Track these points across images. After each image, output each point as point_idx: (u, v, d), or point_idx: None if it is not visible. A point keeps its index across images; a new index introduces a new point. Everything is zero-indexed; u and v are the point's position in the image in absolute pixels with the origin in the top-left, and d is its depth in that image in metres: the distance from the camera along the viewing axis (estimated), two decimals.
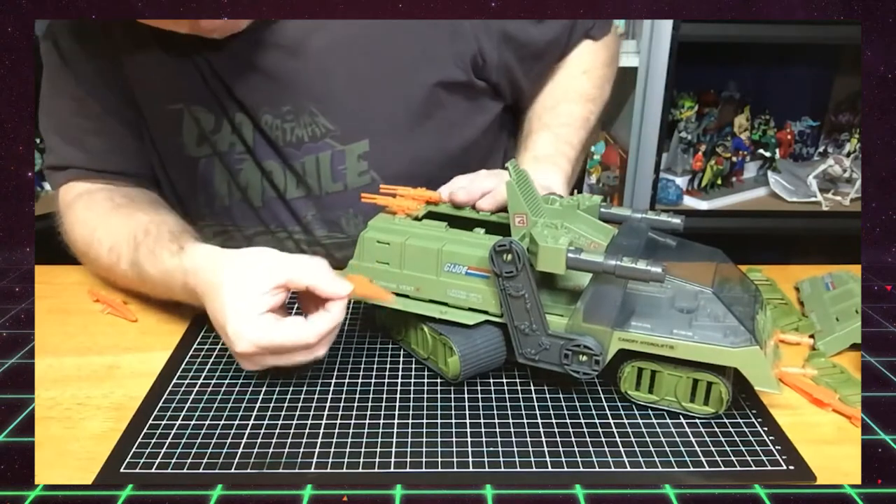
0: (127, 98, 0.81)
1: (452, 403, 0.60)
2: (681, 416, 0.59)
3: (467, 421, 0.58)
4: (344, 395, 0.61)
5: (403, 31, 0.78)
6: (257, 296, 0.58)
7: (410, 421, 0.58)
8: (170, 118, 0.79)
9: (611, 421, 0.58)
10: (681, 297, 0.59)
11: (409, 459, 0.54)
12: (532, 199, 0.62)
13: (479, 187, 0.68)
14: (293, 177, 0.81)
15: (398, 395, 0.61)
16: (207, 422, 0.58)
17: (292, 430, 0.57)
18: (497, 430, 0.57)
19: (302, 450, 0.55)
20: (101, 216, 0.77)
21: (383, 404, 0.60)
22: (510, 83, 0.87)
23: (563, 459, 0.54)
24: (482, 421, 0.58)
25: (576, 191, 0.70)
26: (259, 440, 0.56)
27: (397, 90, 0.79)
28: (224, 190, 0.83)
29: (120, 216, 0.76)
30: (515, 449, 0.55)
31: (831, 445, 0.57)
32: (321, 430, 0.57)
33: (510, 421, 0.58)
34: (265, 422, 0.58)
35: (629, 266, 0.54)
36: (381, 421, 0.58)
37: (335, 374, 0.64)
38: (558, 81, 0.91)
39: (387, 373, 0.65)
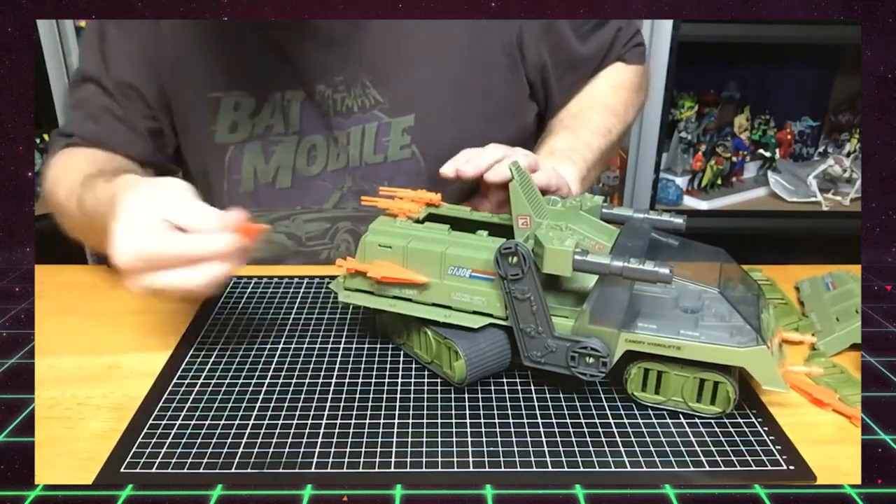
0: (158, 90, 0.82)
1: (452, 404, 0.60)
2: (681, 416, 0.59)
3: (467, 421, 0.58)
4: (344, 395, 0.61)
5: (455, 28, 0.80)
6: (148, 218, 0.57)
7: (410, 421, 0.58)
8: (207, 107, 0.81)
9: (611, 421, 0.58)
10: (686, 297, 0.59)
11: (409, 459, 0.54)
12: (535, 200, 0.62)
13: (488, 158, 0.67)
14: (335, 149, 0.82)
15: (398, 396, 0.61)
16: (207, 422, 0.58)
17: (292, 430, 0.57)
18: (497, 430, 0.57)
19: (302, 450, 0.55)
20: (75, 163, 0.78)
21: (383, 404, 0.60)
22: (543, 86, 0.89)
23: (563, 459, 0.54)
24: (482, 421, 0.58)
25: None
26: (259, 440, 0.56)
27: (448, 71, 0.81)
28: (251, 174, 0.83)
29: (88, 163, 0.78)
30: (515, 449, 0.55)
31: (831, 445, 0.57)
32: (321, 430, 0.57)
33: (510, 421, 0.58)
34: (265, 422, 0.58)
35: (636, 267, 0.54)
36: (381, 421, 0.58)
37: (335, 374, 0.64)
38: (585, 93, 0.93)
39: (387, 373, 0.65)
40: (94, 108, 0.84)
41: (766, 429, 0.57)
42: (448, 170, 0.69)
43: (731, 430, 0.57)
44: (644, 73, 0.98)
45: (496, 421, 0.58)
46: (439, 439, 0.56)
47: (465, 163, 0.68)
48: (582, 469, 0.53)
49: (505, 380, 0.63)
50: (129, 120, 0.83)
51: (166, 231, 0.57)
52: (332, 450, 0.55)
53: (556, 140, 0.85)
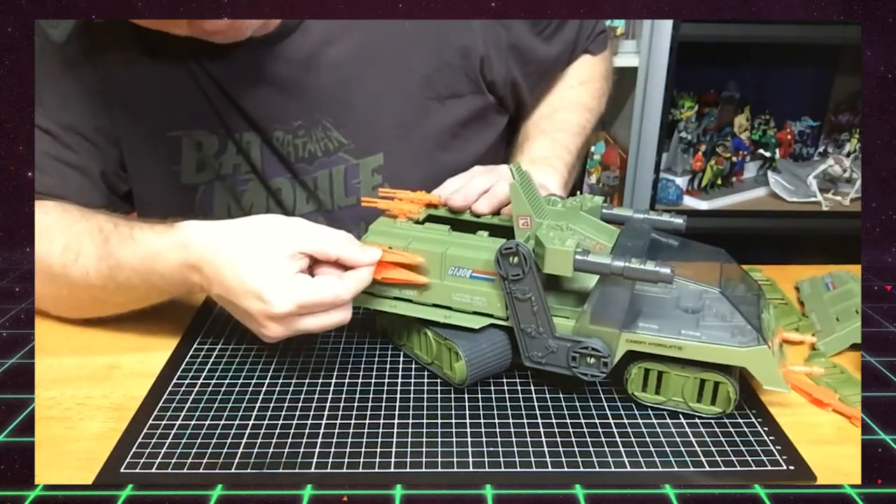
0: (106, 129, 0.76)
1: (452, 404, 0.60)
2: (681, 416, 0.59)
3: (467, 421, 0.58)
4: (344, 395, 0.61)
5: (416, 45, 0.78)
6: (286, 259, 0.56)
7: (410, 421, 0.58)
8: (167, 146, 0.76)
9: (611, 421, 0.58)
10: (686, 297, 0.59)
11: (409, 459, 0.54)
12: (535, 200, 0.62)
13: (475, 189, 0.68)
14: (303, 192, 0.80)
15: (398, 396, 0.61)
16: (207, 422, 0.58)
17: (292, 430, 0.57)
18: (497, 430, 0.57)
19: (302, 450, 0.55)
20: (55, 219, 0.69)
21: (383, 404, 0.60)
22: (514, 98, 0.88)
23: (563, 459, 0.54)
24: (482, 421, 0.58)
25: (578, 192, 0.70)
26: (259, 440, 0.56)
27: (410, 105, 0.79)
28: (224, 213, 0.80)
29: (75, 216, 0.68)
30: (515, 449, 0.55)
31: (831, 445, 0.57)
32: (321, 430, 0.57)
33: (510, 421, 0.58)
34: (265, 422, 0.58)
35: (638, 267, 0.54)
36: (381, 421, 0.58)
37: (335, 374, 0.64)
38: (556, 92, 0.93)
39: (387, 373, 0.65)
40: (45, 158, 0.75)
41: (766, 429, 0.57)
42: (441, 198, 0.69)
43: (731, 430, 0.57)
44: (609, 58, 0.98)
45: (496, 421, 0.58)
46: (439, 439, 0.56)
47: (454, 194, 0.68)
48: (582, 469, 0.53)
49: (505, 380, 0.63)
50: (81, 164, 0.75)
51: (312, 272, 0.58)
52: (332, 450, 0.55)
53: (534, 147, 0.86)
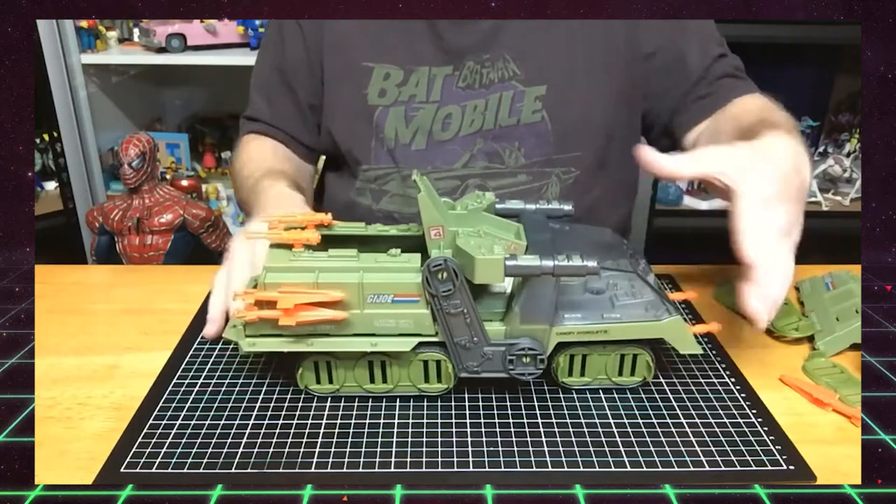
0: (316, 68, 0.95)
1: (452, 404, 0.60)
2: (681, 416, 0.59)
3: (467, 421, 0.58)
4: (344, 396, 0.61)
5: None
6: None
7: (410, 421, 0.58)
8: (362, 73, 0.92)
9: (611, 421, 0.58)
10: (591, 279, 0.60)
11: (409, 459, 0.54)
12: (441, 208, 0.59)
13: (777, 294, 0.58)
14: (471, 115, 0.91)
15: (398, 396, 0.61)
16: (207, 422, 0.58)
17: (292, 430, 0.57)
18: (497, 430, 0.57)
19: (302, 450, 0.55)
20: (260, 153, 0.96)
21: (383, 404, 0.60)
22: (658, 92, 0.93)
23: (563, 459, 0.54)
24: (482, 421, 0.58)
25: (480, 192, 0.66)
26: (259, 440, 0.56)
27: (578, 48, 0.90)
28: (392, 135, 0.92)
29: (269, 157, 0.95)
30: (515, 449, 0.55)
31: (831, 445, 0.57)
32: (321, 430, 0.57)
33: (510, 421, 0.58)
34: (265, 422, 0.58)
35: (567, 264, 0.55)
36: (381, 421, 0.58)
37: None
38: (729, 110, 0.90)
39: None
40: (269, 91, 0.99)
41: (766, 429, 0.57)
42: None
43: (731, 430, 0.57)
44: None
45: (496, 421, 0.58)
46: (439, 439, 0.56)
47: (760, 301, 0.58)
48: (582, 469, 0.53)
49: (505, 380, 0.63)
50: (298, 98, 0.97)
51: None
52: (332, 450, 0.55)
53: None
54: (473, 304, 0.57)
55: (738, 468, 0.53)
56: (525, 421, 0.58)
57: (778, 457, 0.54)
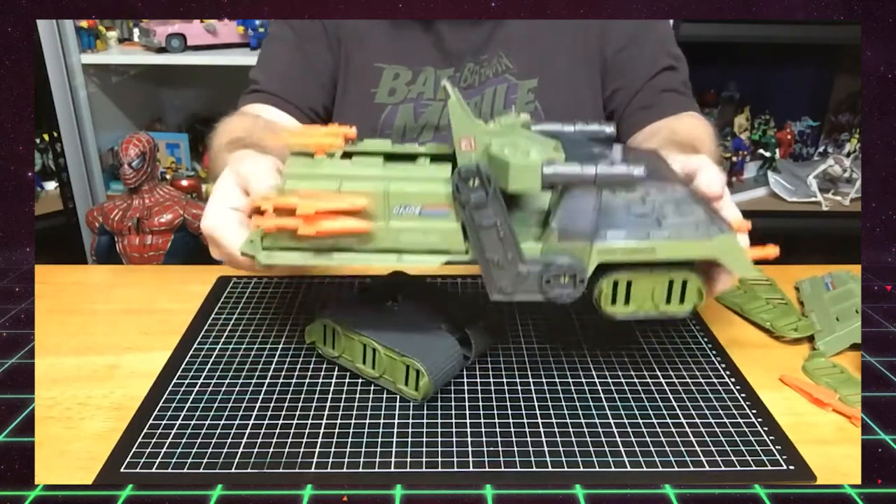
0: (333, 54, 0.96)
1: (452, 403, 0.60)
2: (681, 416, 0.59)
3: (467, 421, 0.58)
4: (344, 395, 0.61)
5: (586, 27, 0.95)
6: (232, 185, 0.60)
7: (410, 421, 0.58)
8: (372, 73, 0.95)
9: (611, 421, 0.58)
10: (634, 203, 0.55)
11: (409, 459, 0.54)
12: (473, 119, 0.55)
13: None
14: (473, 111, 0.92)
15: (398, 396, 0.61)
16: (207, 422, 0.58)
17: (292, 430, 0.57)
18: (497, 430, 0.57)
19: (302, 450, 0.55)
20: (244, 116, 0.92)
21: (383, 404, 0.60)
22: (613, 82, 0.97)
23: (563, 459, 0.54)
24: (482, 421, 0.58)
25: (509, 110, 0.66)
26: (259, 440, 0.56)
27: (564, 42, 0.95)
28: (401, 130, 0.96)
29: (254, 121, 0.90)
30: (515, 449, 0.55)
31: (831, 445, 0.57)
32: (321, 430, 0.57)
33: (510, 421, 0.58)
34: (265, 422, 0.58)
35: (611, 171, 0.51)
36: (382, 421, 0.58)
37: (335, 374, 0.64)
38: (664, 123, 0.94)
39: None
40: (274, 66, 0.97)
41: (766, 429, 0.57)
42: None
43: (731, 430, 0.57)
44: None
45: (496, 421, 0.58)
46: (439, 439, 0.56)
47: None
48: (582, 469, 0.53)
49: (505, 379, 0.63)
50: (306, 79, 0.96)
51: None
52: (332, 450, 0.55)
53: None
54: (507, 216, 0.52)
55: (738, 468, 0.53)
56: (525, 421, 0.58)
57: (778, 457, 0.54)
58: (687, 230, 0.54)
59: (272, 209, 0.53)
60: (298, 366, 0.65)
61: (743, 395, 0.61)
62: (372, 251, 0.55)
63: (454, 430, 0.57)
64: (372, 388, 0.62)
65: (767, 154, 1.81)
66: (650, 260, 0.54)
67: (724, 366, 0.66)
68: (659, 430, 0.57)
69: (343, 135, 0.56)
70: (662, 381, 0.63)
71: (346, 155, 0.58)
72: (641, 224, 0.54)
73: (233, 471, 0.52)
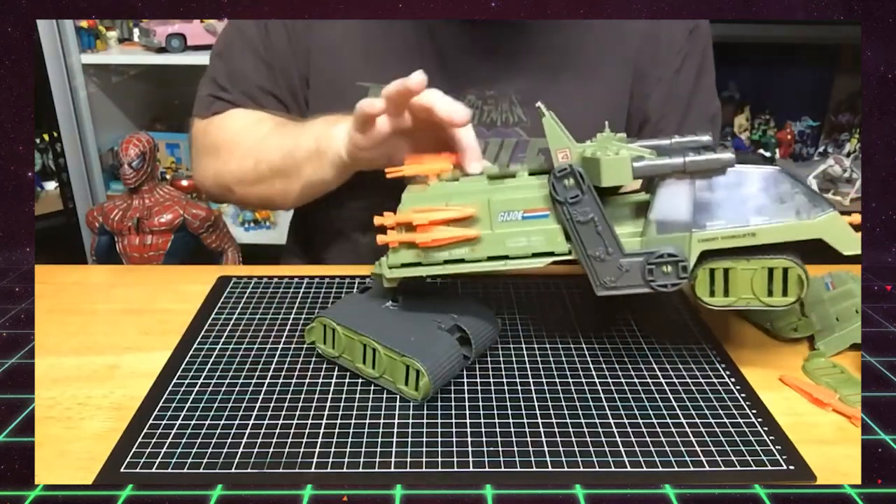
0: (300, 73, 0.87)
1: (453, 403, 0.60)
2: (681, 416, 0.59)
3: (467, 421, 0.58)
4: (344, 395, 0.61)
5: (608, 54, 0.86)
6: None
7: (410, 421, 0.58)
8: (354, 94, 0.83)
9: (611, 421, 0.58)
10: (730, 196, 0.56)
11: (409, 459, 0.54)
12: (567, 133, 0.59)
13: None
14: None
15: (398, 396, 0.61)
16: (207, 422, 0.58)
17: (292, 430, 0.57)
18: (497, 430, 0.57)
19: (302, 450, 0.55)
20: (245, 115, 0.88)
21: (383, 404, 0.60)
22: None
23: (563, 459, 0.54)
24: (482, 421, 0.58)
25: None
26: (259, 440, 0.56)
27: (594, 99, 0.85)
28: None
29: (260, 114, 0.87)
30: (515, 449, 0.55)
31: (831, 445, 0.57)
32: (321, 430, 0.57)
33: (510, 421, 0.58)
34: (265, 422, 0.58)
35: (699, 159, 0.52)
36: (382, 421, 0.58)
37: (335, 374, 0.64)
38: None
39: None
40: (240, 71, 0.89)
41: (766, 429, 0.57)
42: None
43: (731, 430, 0.57)
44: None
45: (496, 421, 0.58)
46: (439, 439, 0.56)
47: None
48: (582, 469, 0.53)
49: (505, 379, 0.63)
50: (278, 93, 0.88)
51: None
52: (332, 450, 0.55)
53: None
54: (603, 210, 0.56)
55: (738, 468, 0.53)
56: (525, 421, 0.58)
57: (778, 457, 0.54)
58: (788, 212, 0.55)
59: (394, 225, 0.61)
60: (298, 366, 0.65)
61: (743, 395, 0.61)
62: (482, 259, 0.60)
63: (454, 430, 0.57)
64: (372, 388, 0.62)
65: (767, 154, 1.81)
66: (752, 244, 0.55)
67: (724, 366, 0.66)
68: (659, 429, 0.57)
69: (453, 159, 0.64)
70: (662, 381, 0.63)
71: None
72: (741, 209, 0.55)
73: (233, 471, 0.52)
